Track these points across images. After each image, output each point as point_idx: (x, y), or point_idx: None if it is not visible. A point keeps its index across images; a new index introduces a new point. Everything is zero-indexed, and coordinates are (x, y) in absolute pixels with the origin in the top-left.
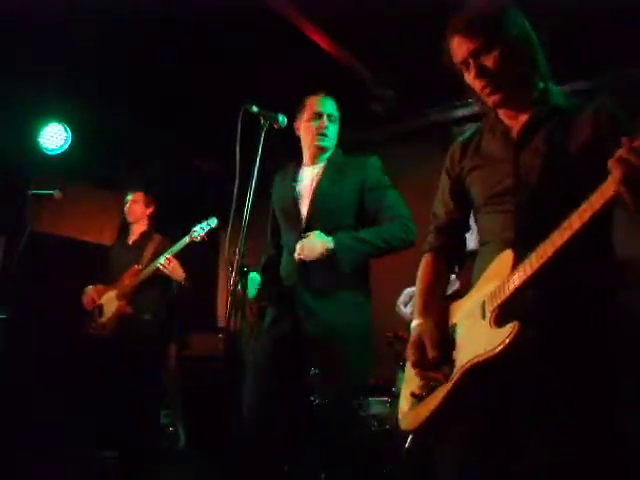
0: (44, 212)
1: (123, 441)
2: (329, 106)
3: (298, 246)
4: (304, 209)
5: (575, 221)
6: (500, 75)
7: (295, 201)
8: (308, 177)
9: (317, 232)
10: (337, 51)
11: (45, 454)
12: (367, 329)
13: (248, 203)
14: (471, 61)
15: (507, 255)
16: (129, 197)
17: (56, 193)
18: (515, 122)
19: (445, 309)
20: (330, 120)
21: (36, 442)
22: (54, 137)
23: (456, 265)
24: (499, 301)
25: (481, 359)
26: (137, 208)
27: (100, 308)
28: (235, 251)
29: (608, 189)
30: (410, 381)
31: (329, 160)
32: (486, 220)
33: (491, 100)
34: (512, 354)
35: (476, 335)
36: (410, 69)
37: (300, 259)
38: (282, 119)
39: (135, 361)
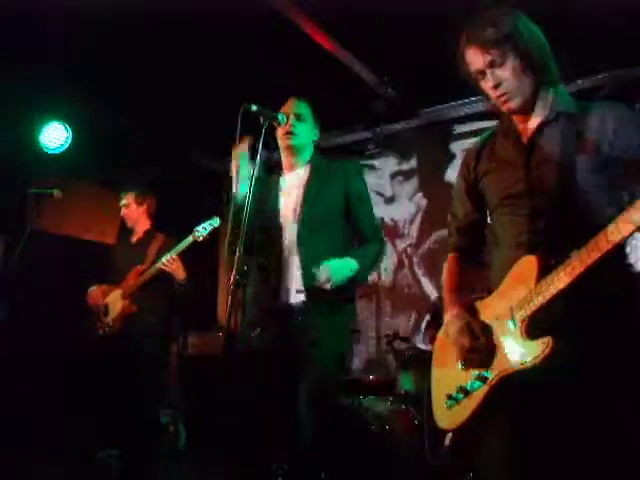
0: (44, 211)
1: (123, 441)
2: (296, 106)
3: (324, 274)
4: (292, 218)
5: (603, 243)
6: (515, 85)
7: (279, 212)
8: (291, 185)
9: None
10: (338, 51)
11: (45, 454)
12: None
13: (247, 201)
14: (487, 72)
15: (530, 261)
16: (122, 202)
17: (56, 192)
18: (526, 126)
19: (471, 306)
20: (298, 119)
21: (36, 442)
22: (55, 136)
23: (478, 260)
24: (529, 312)
25: (517, 369)
26: (130, 211)
27: (105, 308)
28: (235, 250)
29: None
30: (442, 381)
31: (311, 166)
32: (500, 222)
33: (506, 107)
34: (545, 364)
35: (510, 344)
36: (411, 69)
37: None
38: (282, 118)
39: (136, 360)
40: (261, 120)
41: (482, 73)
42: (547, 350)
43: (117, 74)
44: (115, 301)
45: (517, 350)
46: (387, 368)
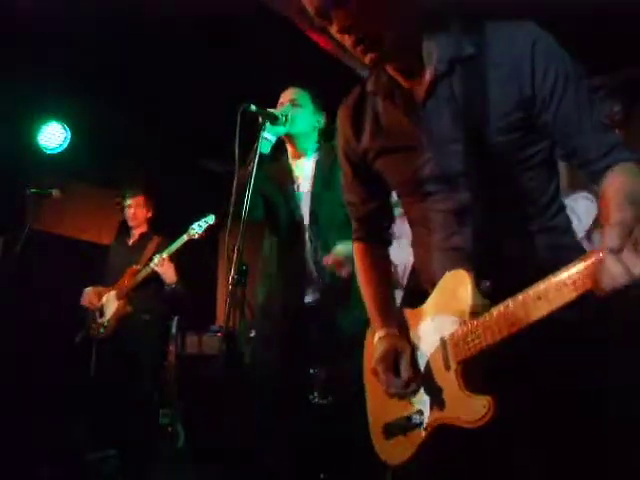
0: (43, 211)
1: (123, 441)
2: (290, 93)
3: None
4: (307, 218)
5: (555, 298)
6: (369, 25)
7: (298, 205)
8: (301, 177)
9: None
10: (337, 50)
11: (45, 454)
12: None
13: (247, 201)
14: (331, 12)
15: (462, 280)
16: (129, 201)
17: (55, 192)
18: (414, 83)
19: (402, 319)
20: (293, 105)
21: (35, 442)
22: (53, 136)
23: (389, 239)
24: (463, 356)
25: (450, 422)
26: (139, 212)
27: (101, 309)
28: (234, 249)
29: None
30: (378, 406)
31: (316, 162)
32: (423, 216)
33: (368, 59)
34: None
35: (445, 389)
36: None
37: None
38: (281, 118)
39: (134, 361)
40: (260, 120)
41: (325, 17)
42: (488, 415)
43: (117, 74)
44: (110, 302)
45: (453, 401)
46: None
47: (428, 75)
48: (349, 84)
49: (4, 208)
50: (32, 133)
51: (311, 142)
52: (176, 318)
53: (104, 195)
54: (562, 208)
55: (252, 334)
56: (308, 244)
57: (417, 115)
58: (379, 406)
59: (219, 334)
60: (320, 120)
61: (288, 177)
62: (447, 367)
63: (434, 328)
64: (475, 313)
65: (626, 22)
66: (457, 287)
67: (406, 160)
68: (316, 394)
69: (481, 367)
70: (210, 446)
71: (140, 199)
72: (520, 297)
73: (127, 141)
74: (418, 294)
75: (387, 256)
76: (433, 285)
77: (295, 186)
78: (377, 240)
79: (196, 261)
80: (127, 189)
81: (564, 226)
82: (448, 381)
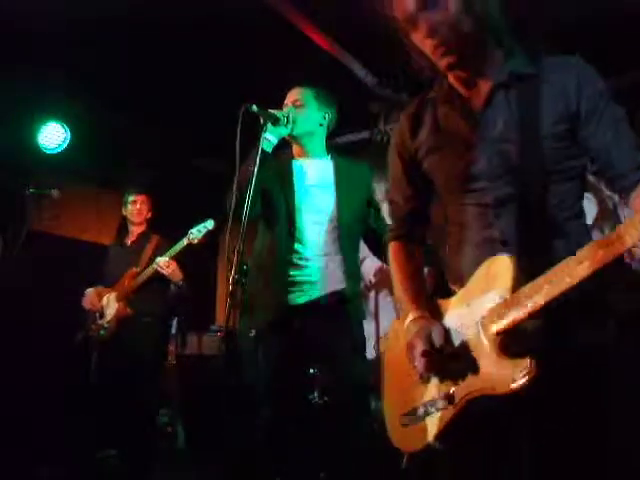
0: (43, 211)
1: (123, 441)
2: (293, 94)
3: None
4: (326, 217)
5: (598, 258)
6: (454, 32)
7: (300, 205)
8: (310, 176)
9: None
10: (337, 51)
11: (45, 454)
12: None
13: (248, 202)
14: (419, 16)
15: (502, 263)
16: (134, 198)
17: (55, 192)
18: (473, 93)
19: (434, 306)
20: (295, 106)
21: (36, 442)
22: (53, 136)
23: (424, 242)
24: (503, 327)
25: (490, 392)
26: (144, 210)
27: (101, 310)
28: (234, 251)
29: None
30: (395, 396)
31: (335, 165)
32: (460, 212)
33: (445, 61)
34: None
35: (480, 362)
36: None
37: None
38: (282, 119)
39: (134, 362)
40: (261, 121)
41: (412, 21)
42: (530, 374)
43: (116, 74)
44: (110, 303)
45: (490, 371)
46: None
47: (487, 85)
48: (348, 84)
49: (4, 208)
50: (32, 133)
51: (317, 141)
52: (176, 318)
53: (104, 195)
54: (584, 225)
55: (252, 334)
56: (309, 242)
57: (474, 120)
58: (401, 393)
59: (219, 334)
60: (327, 115)
61: (289, 174)
62: (484, 341)
63: (470, 311)
64: (516, 287)
65: (632, 24)
66: (498, 269)
67: (458, 155)
68: (316, 394)
69: (517, 336)
70: (210, 446)
71: (144, 197)
72: (561, 264)
73: (127, 141)
74: (446, 292)
75: (421, 256)
76: (461, 282)
77: (297, 181)
78: (413, 240)
79: (195, 261)
80: (130, 187)
81: (582, 240)
82: (484, 354)
